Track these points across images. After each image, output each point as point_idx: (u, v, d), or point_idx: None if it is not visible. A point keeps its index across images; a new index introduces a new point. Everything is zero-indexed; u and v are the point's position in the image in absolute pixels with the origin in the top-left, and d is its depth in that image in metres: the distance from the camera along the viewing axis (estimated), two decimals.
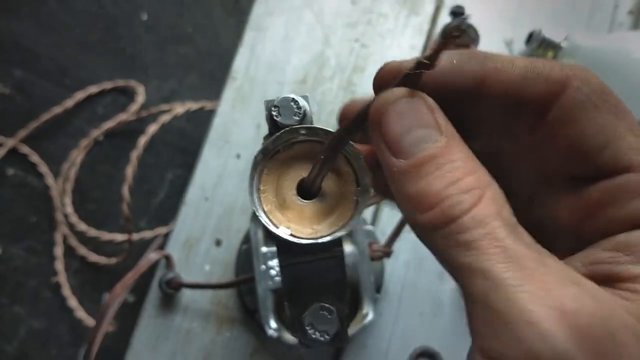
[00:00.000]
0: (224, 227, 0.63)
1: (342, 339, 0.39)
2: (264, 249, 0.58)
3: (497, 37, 0.69)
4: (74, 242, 0.72)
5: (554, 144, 0.27)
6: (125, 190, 0.65)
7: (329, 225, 0.33)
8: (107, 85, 0.76)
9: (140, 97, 0.75)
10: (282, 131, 0.32)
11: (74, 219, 0.72)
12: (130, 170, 0.67)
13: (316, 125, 0.33)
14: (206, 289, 0.61)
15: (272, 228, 0.32)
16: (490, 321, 0.23)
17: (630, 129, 0.26)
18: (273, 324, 0.57)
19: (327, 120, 0.65)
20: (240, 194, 0.64)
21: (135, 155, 0.68)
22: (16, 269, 0.71)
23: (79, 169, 0.74)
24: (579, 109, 0.26)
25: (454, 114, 0.27)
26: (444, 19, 0.69)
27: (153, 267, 0.62)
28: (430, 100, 0.26)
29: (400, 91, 0.26)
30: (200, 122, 0.74)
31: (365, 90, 0.67)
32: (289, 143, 0.33)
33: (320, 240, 0.32)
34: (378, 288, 0.62)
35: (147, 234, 0.71)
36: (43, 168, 0.74)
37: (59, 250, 0.71)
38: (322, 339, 0.39)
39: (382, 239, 0.61)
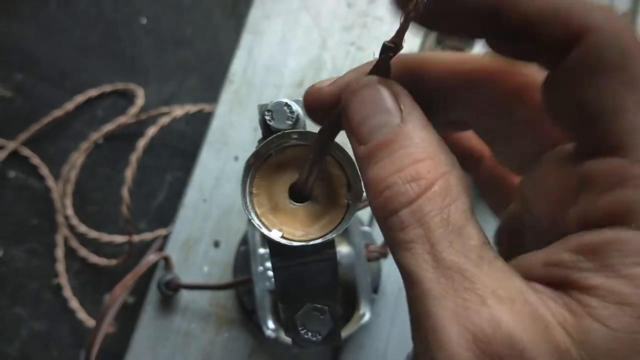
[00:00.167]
0: (222, 228, 0.64)
1: (335, 339, 0.40)
2: (262, 250, 0.59)
3: None
4: (74, 243, 0.72)
5: (556, 105, 0.25)
6: (125, 192, 0.66)
7: (321, 228, 0.34)
8: (107, 88, 0.77)
9: (140, 100, 0.75)
10: (274, 135, 0.33)
11: (75, 221, 0.73)
12: (129, 173, 0.67)
13: (309, 129, 0.34)
14: (205, 290, 0.62)
15: (264, 231, 0.33)
16: (415, 329, 0.22)
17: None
18: (271, 324, 0.58)
19: (322, 124, 0.66)
20: (238, 196, 0.64)
21: (134, 157, 0.68)
22: (17, 270, 0.72)
23: (79, 171, 0.75)
24: (588, 68, 0.22)
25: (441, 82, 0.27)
26: None
27: (152, 269, 0.62)
28: (396, 86, 0.25)
29: (365, 80, 0.26)
30: (199, 124, 0.75)
31: None
32: (281, 147, 0.34)
33: (311, 243, 0.33)
34: (375, 289, 0.62)
35: (147, 236, 0.71)
36: (44, 170, 0.74)
37: (59, 252, 0.72)
38: (314, 339, 0.40)
39: (379, 239, 0.61)
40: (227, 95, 0.67)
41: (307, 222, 0.34)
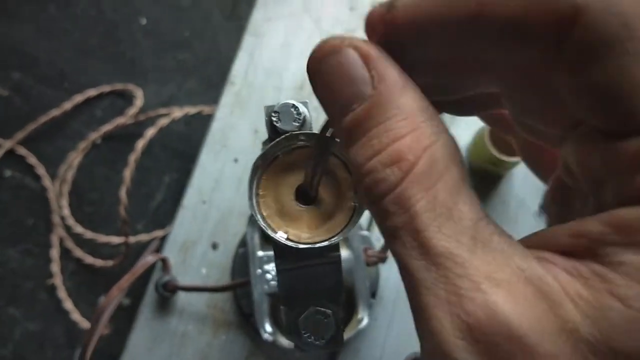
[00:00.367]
0: (220, 230, 0.64)
1: (337, 342, 0.40)
2: (260, 253, 0.59)
3: None
4: (70, 244, 0.72)
5: (571, 87, 0.22)
6: (123, 193, 0.66)
7: (327, 230, 0.34)
8: (106, 88, 0.77)
9: (139, 101, 0.75)
10: (281, 137, 0.33)
11: (71, 221, 0.72)
12: (128, 173, 0.67)
13: (315, 131, 0.33)
14: (202, 292, 0.61)
15: (270, 232, 0.33)
16: (415, 322, 0.21)
17: None
18: (268, 327, 0.57)
19: None
20: (238, 198, 0.64)
21: (133, 158, 0.68)
22: (12, 271, 0.71)
23: (76, 171, 0.74)
24: (590, 50, 0.20)
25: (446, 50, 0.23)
26: None
27: (149, 270, 0.62)
28: (366, 46, 0.22)
29: (327, 46, 0.22)
30: (198, 126, 0.75)
31: None
32: (289, 149, 0.34)
33: (317, 245, 0.33)
34: (373, 293, 0.62)
35: (144, 237, 0.71)
36: (40, 170, 0.74)
37: (55, 253, 0.71)
38: (317, 342, 0.39)
39: (378, 244, 0.61)
40: (227, 97, 0.67)
41: (313, 225, 0.34)
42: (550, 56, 0.22)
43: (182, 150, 0.75)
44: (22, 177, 0.74)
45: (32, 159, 0.74)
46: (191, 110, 0.74)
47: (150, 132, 0.71)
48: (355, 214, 0.33)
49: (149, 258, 0.59)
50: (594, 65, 0.20)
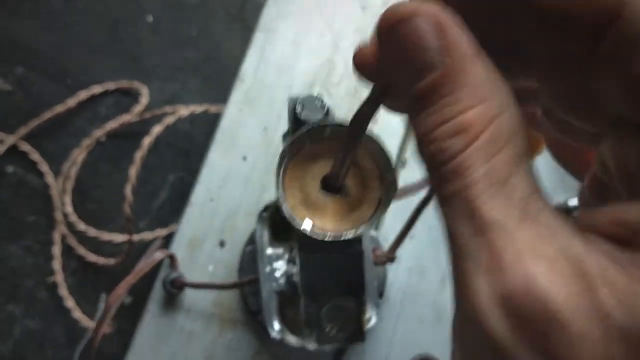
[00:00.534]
0: (228, 228, 0.63)
1: (359, 337, 0.39)
2: (270, 251, 0.58)
3: None
4: (72, 241, 0.71)
5: (610, 81, 0.22)
6: (128, 191, 0.65)
7: (352, 221, 0.33)
8: (111, 85, 0.76)
9: (144, 99, 0.75)
10: (309, 127, 0.32)
11: (73, 218, 0.71)
12: (133, 171, 0.66)
13: (342, 122, 0.33)
14: (210, 290, 0.61)
15: (295, 223, 0.32)
16: (453, 290, 0.21)
17: None
18: (277, 325, 0.57)
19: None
20: (246, 196, 0.64)
21: (139, 155, 0.68)
22: (12, 268, 0.70)
23: (79, 168, 0.74)
24: (634, 41, 0.21)
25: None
26: None
27: (156, 268, 0.61)
28: (440, 15, 0.21)
29: (399, 11, 0.22)
30: (204, 125, 0.75)
31: None
32: (316, 139, 0.34)
33: (343, 237, 0.32)
34: (380, 293, 0.62)
35: (147, 235, 0.71)
36: (43, 167, 0.73)
37: (56, 250, 0.70)
38: (339, 336, 0.39)
39: (386, 245, 0.61)
40: (237, 94, 0.67)
41: (338, 216, 0.34)
42: (591, 48, 0.22)
43: (187, 149, 0.75)
44: (24, 174, 0.74)
45: (35, 155, 0.73)
46: (197, 108, 0.74)
47: (156, 130, 0.70)
48: (381, 205, 0.33)
49: (157, 254, 0.58)
50: (634, 59, 0.21)
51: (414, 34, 0.21)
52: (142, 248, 0.70)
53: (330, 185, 0.33)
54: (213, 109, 0.74)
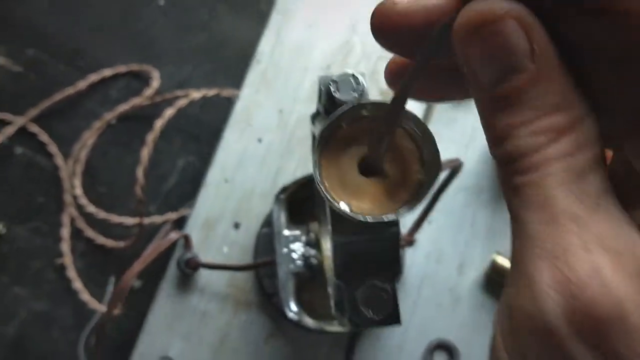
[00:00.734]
0: (242, 210, 0.63)
1: (395, 319, 0.38)
2: (287, 232, 0.58)
3: None
4: (81, 224, 0.70)
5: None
6: (140, 172, 0.64)
7: (390, 204, 0.32)
8: (122, 69, 0.76)
9: (156, 82, 0.74)
10: (347, 107, 0.31)
11: (83, 200, 0.71)
12: (145, 153, 0.66)
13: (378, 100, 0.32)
14: (224, 271, 0.60)
15: (334, 204, 0.31)
16: (509, 278, 0.21)
17: None
18: (293, 307, 0.57)
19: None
20: (260, 178, 0.63)
21: (151, 138, 0.67)
22: (20, 249, 0.70)
23: (90, 151, 0.73)
24: None
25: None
26: None
27: (167, 251, 0.60)
28: (527, 17, 0.21)
29: (488, 11, 0.21)
30: (215, 109, 0.74)
31: None
32: (353, 120, 0.32)
33: (384, 219, 0.31)
34: (398, 278, 0.61)
35: (157, 219, 0.70)
36: (53, 148, 0.72)
37: (65, 232, 0.69)
38: (376, 318, 0.38)
39: (404, 230, 0.61)
40: (253, 75, 0.66)
41: (376, 198, 0.32)
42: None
43: (197, 133, 0.74)
44: (33, 155, 0.73)
45: (44, 137, 0.73)
46: (209, 92, 0.73)
47: (168, 112, 0.70)
48: (423, 188, 0.32)
49: (172, 235, 0.58)
50: None
51: (502, 36, 0.21)
52: (152, 231, 0.70)
53: (368, 167, 0.32)
54: (225, 92, 0.73)
